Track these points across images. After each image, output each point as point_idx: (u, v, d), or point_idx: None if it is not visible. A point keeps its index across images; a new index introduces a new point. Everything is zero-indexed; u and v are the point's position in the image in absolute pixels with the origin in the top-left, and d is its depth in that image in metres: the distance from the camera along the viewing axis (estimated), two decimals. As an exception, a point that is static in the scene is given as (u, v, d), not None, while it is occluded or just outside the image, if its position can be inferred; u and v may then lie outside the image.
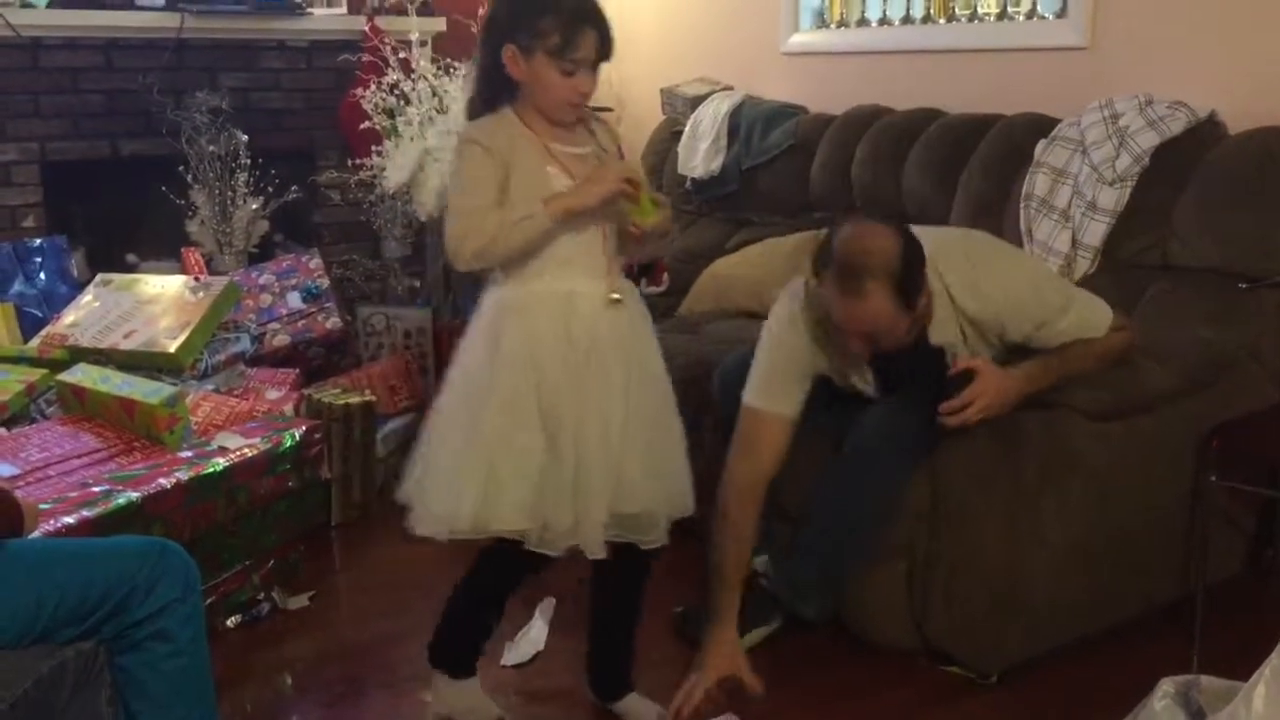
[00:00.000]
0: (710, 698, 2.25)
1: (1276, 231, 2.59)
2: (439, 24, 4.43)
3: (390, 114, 4.07)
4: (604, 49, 1.93)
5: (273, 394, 3.12)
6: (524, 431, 1.94)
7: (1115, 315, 2.35)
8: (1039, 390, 2.30)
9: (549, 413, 1.95)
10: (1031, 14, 3.49)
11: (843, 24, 4.08)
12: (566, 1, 1.90)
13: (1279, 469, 2.50)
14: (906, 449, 2.36)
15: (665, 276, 3.91)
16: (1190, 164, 2.69)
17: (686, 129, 4.11)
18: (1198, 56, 2.93)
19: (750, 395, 2.37)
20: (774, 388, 2.36)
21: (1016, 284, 2.28)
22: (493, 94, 1.99)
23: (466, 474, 1.94)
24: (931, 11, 3.81)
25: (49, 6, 3.86)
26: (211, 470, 2.53)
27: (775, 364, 2.37)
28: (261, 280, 3.71)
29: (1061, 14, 3.34)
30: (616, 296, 2.02)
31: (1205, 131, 2.76)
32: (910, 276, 2.12)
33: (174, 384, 2.88)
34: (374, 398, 3.30)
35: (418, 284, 4.32)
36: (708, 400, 2.81)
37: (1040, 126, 3.07)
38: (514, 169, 1.93)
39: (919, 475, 2.37)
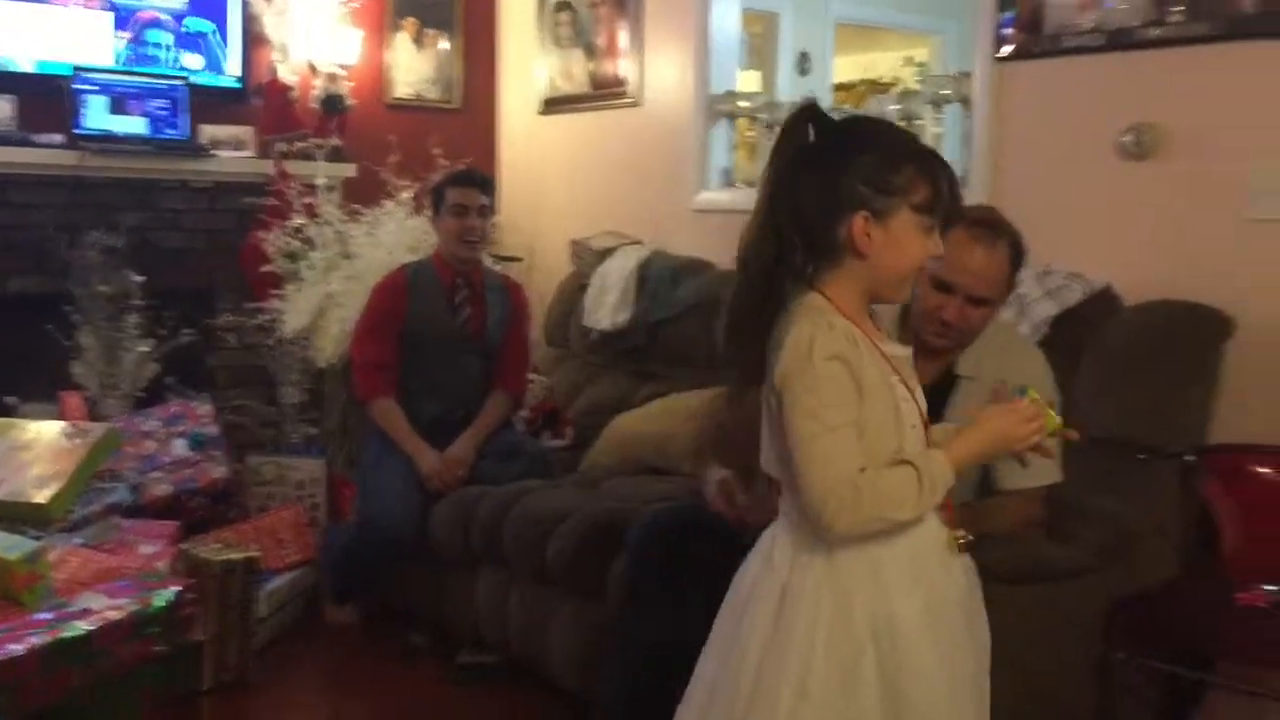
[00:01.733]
0: None
1: (1173, 403, 2.62)
2: (349, 169, 4.41)
3: (293, 257, 4.00)
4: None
5: (146, 548, 2.94)
6: None
7: (1056, 487, 2.34)
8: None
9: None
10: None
11: (750, 183, 4.14)
12: (912, 143, 1.64)
13: (1185, 644, 2.46)
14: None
15: (569, 430, 3.85)
16: (1087, 334, 2.73)
17: (594, 281, 4.10)
18: (1092, 230, 3.00)
19: None
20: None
21: (1052, 386, 2.31)
22: (776, 283, 1.60)
23: None
24: (837, 175, 3.89)
25: (-58, 139, 3.75)
26: (71, 635, 2.33)
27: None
28: (146, 426, 3.54)
29: (963, 184, 3.42)
30: (963, 536, 1.68)
31: (1101, 302, 2.81)
32: (1020, 257, 2.23)
33: (37, 537, 2.69)
34: (258, 553, 3.14)
35: (314, 431, 4.19)
36: (608, 562, 2.72)
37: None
38: (864, 387, 1.55)
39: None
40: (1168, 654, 2.47)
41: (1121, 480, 2.57)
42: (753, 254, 1.60)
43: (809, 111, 1.62)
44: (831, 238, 1.57)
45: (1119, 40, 2.95)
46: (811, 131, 1.61)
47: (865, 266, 1.58)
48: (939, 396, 2.37)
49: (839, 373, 1.53)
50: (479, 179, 3.65)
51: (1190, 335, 2.66)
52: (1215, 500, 2.62)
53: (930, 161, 1.60)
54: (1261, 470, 2.63)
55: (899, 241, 1.58)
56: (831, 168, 1.58)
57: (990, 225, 2.25)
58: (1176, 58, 2.86)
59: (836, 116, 1.64)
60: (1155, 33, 2.88)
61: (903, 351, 1.68)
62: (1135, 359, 2.65)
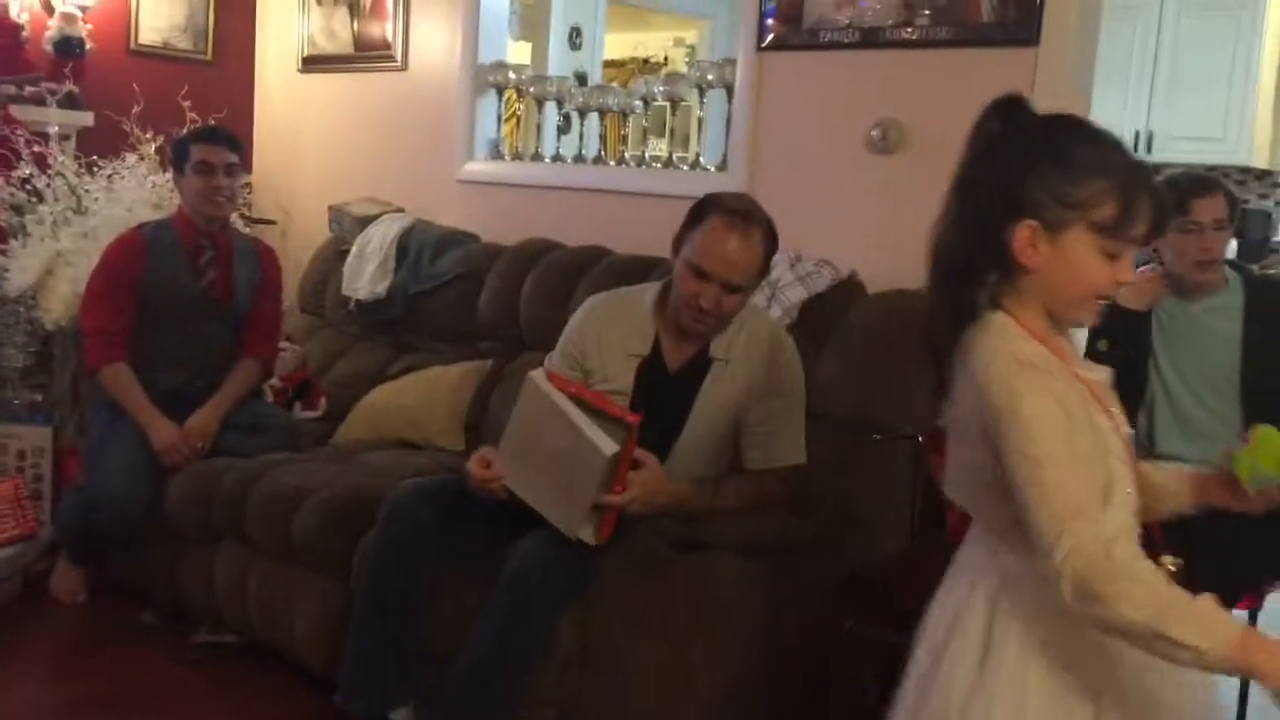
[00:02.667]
0: None
1: (907, 386, 2.76)
2: (85, 119, 4.10)
3: (19, 210, 3.71)
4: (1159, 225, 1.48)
5: None
6: None
7: (800, 467, 2.43)
8: (688, 509, 2.35)
9: None
10: (695, 164, 3.65)
11: (518, 157, 4.11)
12: (1117, 156, 1.45)
13: (912, 613, 2.61)
14: (564, 583, 2.30)
15: (323, 401, 3.72)
16: (833, 319, 2.85)
17: (353, 249, 3.97)
18: (841, 219, 3.13)
19: None
20: None
21: (798, 371, 2.47)
22: (966, 289, 1.48)
23: None
24: (603, 153, 3.91)
25: None
26: None
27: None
28: None
29: (722, 167, 3.51)
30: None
31: (847, 289, 2.94)
32: (773, 245, 2.37)
33: None
34: (-31, 529, 2.90)
35: (39, 398, 3.89)
36: (355, 538, 2.65)
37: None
38: (1068, 415, 1.39)
39: (570, 620, 2.31)
40: (897, 623, 2.62)
41: (858, 460, 2.71)
42: (942, 251, 1.52)
43: (1009, 102, 1.51)
44: (998, 244, 1.44)
45: (871, 39, 3.09)
46: (1005, 123, 1.51)
47: (1034, 282, 1.45)
48: (694, 378, 2.44)
49: (1043, 401, 1.37)
50: (225, 136, 3.47)
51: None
52: (939, 477, 2.79)
53: (1131, 180, 1.43)
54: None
55: (1070, 261, 1.43)
56: (1013, 166, 1.46)
57: (745, 214, 2.33)
58: (921, 59, 3.01)
59: (1040, 111, 1.53)
60: (903, 34, 3.03)
61: (1100, 375, 1.53)
62: (874, 345, 2.79)
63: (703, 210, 2.36)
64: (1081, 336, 2.97)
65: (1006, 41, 2.85)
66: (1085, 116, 2.91)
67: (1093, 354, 2.65)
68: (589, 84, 4.18)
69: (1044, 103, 2.77)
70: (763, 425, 2.44)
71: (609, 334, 2.47)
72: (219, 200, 3.33)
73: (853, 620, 2.47)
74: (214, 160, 3.31)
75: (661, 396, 2.41)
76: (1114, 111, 5.68)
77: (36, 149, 3.78)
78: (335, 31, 4.53)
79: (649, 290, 2.52)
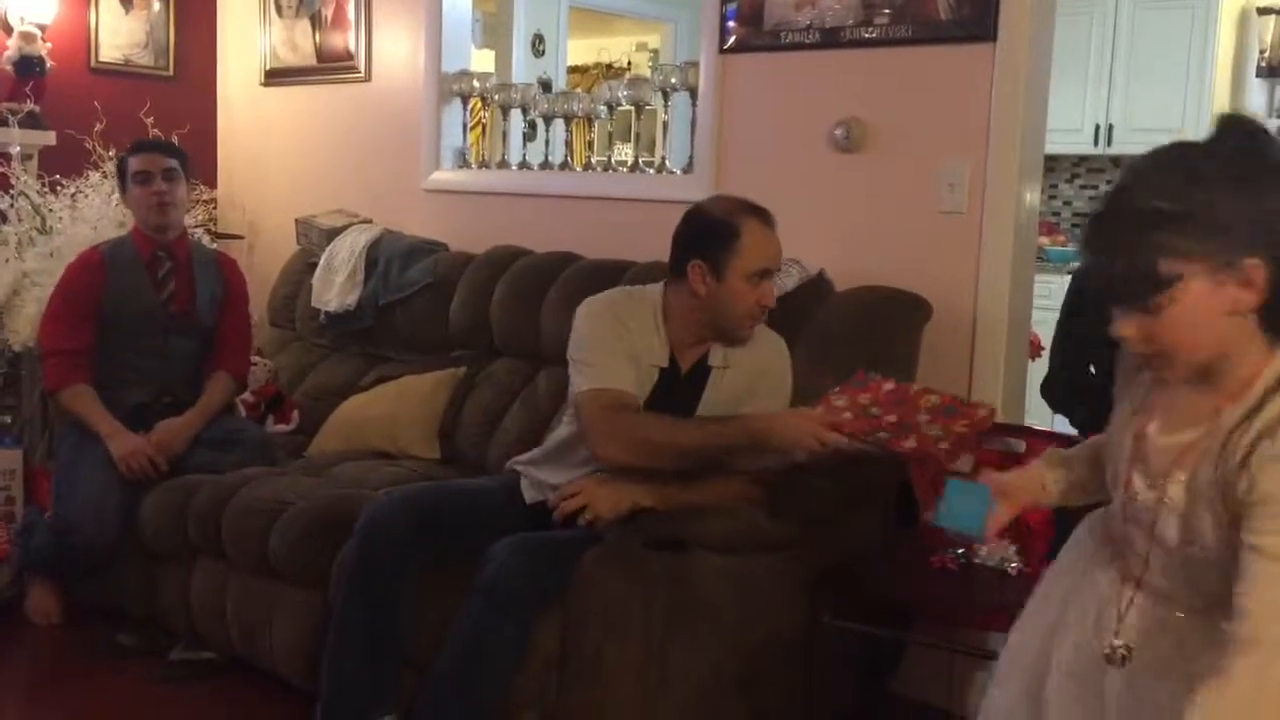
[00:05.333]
0: None
1: (877, 381, 2.79)
2: (48, 138, 4.08)
3: (-18, 231, 3.68)
4: None
5: None
6: None
7: (775, 471, 2.46)
8: (658, 507, 2.39)
9: None
10: (661, 169, 3.68)
11: (484, 165, 4.12)
12: None
13: (886, 607, 2.64)
14: (539, 585, 2.32)
15: (295, 414, 3.71)
16: (803, 317, 2.87)
17: (322, 261, 3.96)
18: (807, 218, 3.15)
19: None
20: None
21: (787, 376, 2.54)
22: None
23: None
24: (569, 159, 3.93)
25: None
26: None
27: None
28: None
29: (689, 170, 3.53)
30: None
31: (815, 287, 2.96)
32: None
33: None
34: (-59, 553, 2.87)
35: (8, 420, 3.87)
36: (333, 550, 2.65)
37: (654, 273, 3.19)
38: None
39: (548, 622, 2.32)
40: (871, 617, 2.64)
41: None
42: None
43: (1242, 123, 1.39)
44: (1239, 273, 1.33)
45: (831, 39, 3.12)
46: (1236, 144, 1.38)
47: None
48: (698, 382, 2.46)
49: None
50: (160, 144, 3.51)
51: (893, 319, 2.85)
52: (911, 470, 2.82)
53: None
54: (952, 443, 2.85)
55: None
56: (1250, 193, 1.33)
57: (759, 208, 2.44)
58: (881, 57, 3.04)
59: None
60: (864, 33, 3.06)
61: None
62: (844, 341, 2.81)
63: (728, 224, 2.39)
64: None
65: (964, 38, 2.88)
66: (1044, 111, 2.98)
67: None
68: (553, 90, 4.20)
69: (1002, 98, 2.84)
70: None
71: (633, 342, 2.48)
72: (163, 205, 3.32)
73: (829, 614, 2.49)
74: (151, 167, 3.31)
75: (669, 399, 2.44)
76: (1073, 105, 5.75)
77: (-1, 169, 3.77)
78: (297, 43, 4.52)
79: (647, 298, 2.52)
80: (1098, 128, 5.95)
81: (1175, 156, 1.42)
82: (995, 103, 2.86)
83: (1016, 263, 2.90)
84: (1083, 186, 6.46)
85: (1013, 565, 2.54)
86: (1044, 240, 5.68)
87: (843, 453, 2.21)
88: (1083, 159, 6.32)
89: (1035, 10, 2.82)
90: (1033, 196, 2.97)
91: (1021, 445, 2.79)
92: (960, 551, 2.57)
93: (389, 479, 3.10)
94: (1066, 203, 6.50)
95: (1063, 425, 3.19)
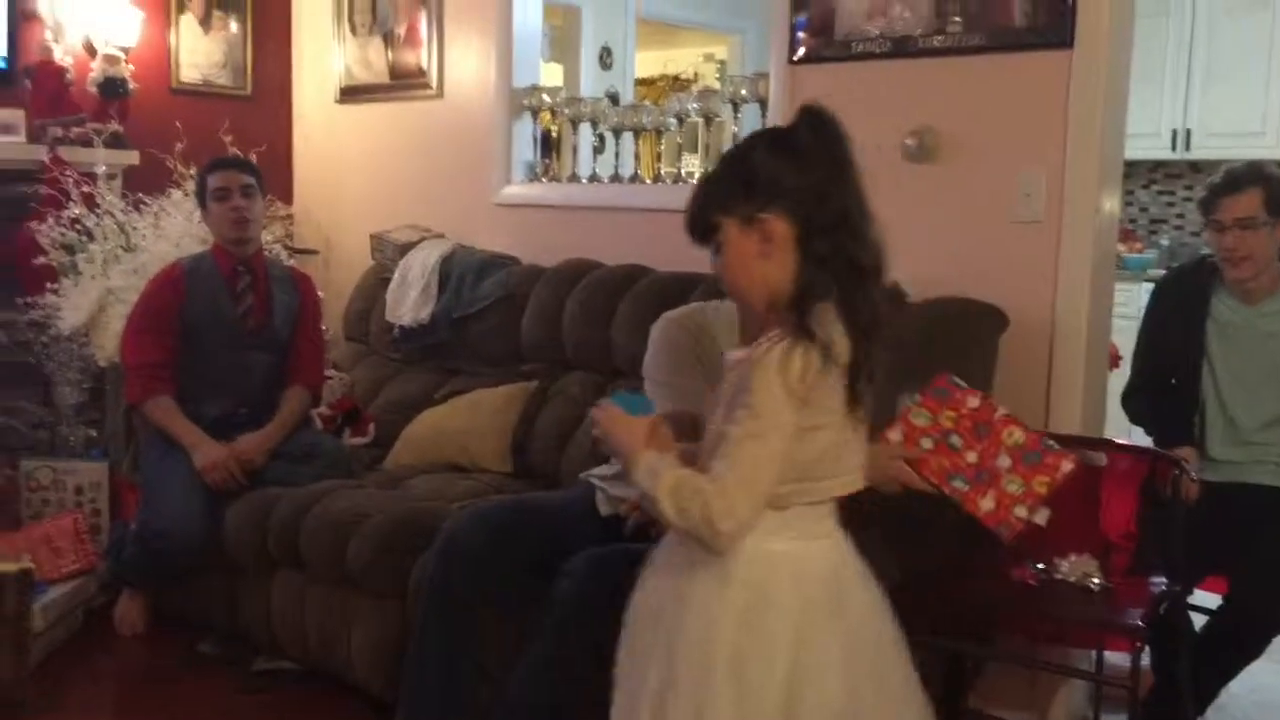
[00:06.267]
0: None
1: (954, 393, 2.76)
2: (131, 157, 4.18)
3: (70, 250, 3.78)
4: None
5: (-94, 563, 2.73)
6: None
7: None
8: None
9: None
10: (731, 179, 3.67)
11: (554, 179, 4.15)
12: None
13: (965, 622, 2.60)
14: (616, 599, 2.30)
15: (371, 427, 3.77)
16: (876, 329, 2.84)
17: (396, 276, 4.02)
18: (880, 229, 3.13)
19: None
20: None
21: None
22: None
23: None
24: (639, 172, 3.94)
25: None
26: None
27: None
28: (-96, 431, 3.28)
29: (758, 181, 3.52)
30: None
31: (889, 298, 2.91)
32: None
33: None
34: (31, 564, 2.95)
35: (94, 434, 3.97)
36: (410, 562, 2.68)
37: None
38: None
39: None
40: (950, 632, 2.61)
41: (907, 468, 2.70)
42: None
43: (813, 110, 1.66)
44: None
45: (903, 48, 3.09)
46: (799, 124, 1.67)
47: None
48: None
49: None
50: (237, 160, 3.58)
51: (971, 330, 2.81)
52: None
53: None
54: (1031, 455, 2.80)
55: None
56: (783, 164, 1.64)
57: None
58: (955, 66, 3.01)
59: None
60: (936, 41, 3.03)
61: None
62: (921, 353, 2.78)
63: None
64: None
65: (1040, 45, 2.85)
66: (1123, 117, 2.92)
67: None
68: (621, 103, 4.21)
69: (1080, 105, 2.80)
70: None
71: (712, 358, 2.47)
72: (241, 220, 3.39)
73: (907, 628, 2.46)
74: (229, 184, 3.39)
75: None
76: (1150, 110, 5.65)
77: (85, 189, 3.86)
78: (371, 61, 4.59)
79: (724, 311, 2.51)
80: (1175, 133, 5.84)
81: (760, 133, 1.83)
82: (1073, 110, 2.82)
83: (1096, 271, 2.86)
84: (1160, 193, 6.34)
85: (1094, 580, 2.50)
86: (1120, 248, 5.57)
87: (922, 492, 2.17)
88: (1159, 164, 6.20)
89: (1114, 16, 2.78)
90: (1112, 204, 2.92)
91: (1102, 458, 2.74)
92: (1040, 566, 2.53)
93: (463, 492, 3.13)
94: (1143, 209, 6.38)
95: (1141, 437, 3.14)
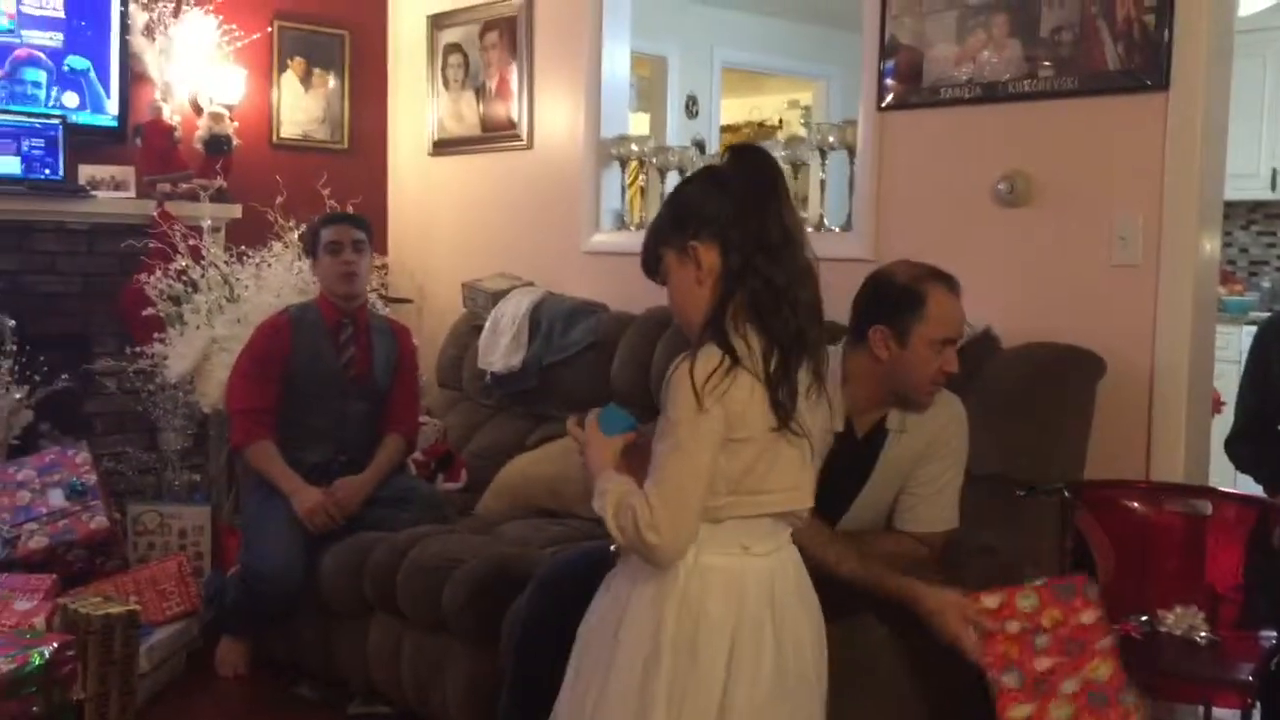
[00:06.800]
0: None
1: (1050, 440, 2.72)
2: (234, 211, 4.34)
3: (176, 301, 3.92)
4: None
5: (22, 604, 2.84)
6: None
7: (951, 532, 2.44)
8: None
9: None
10: (820, 226, 3.67)
11: (641, 227, 4.19)
12: None
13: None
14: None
15: (464, 473, 3.82)
16: (970, 375, 2.82)
17: (487, 323, 4.09)
18: (971, 274, 3.08)
19: None
20: None
21: (964, 436, 2.46)
22: None
23: None
24: (726, 219, 3.96)
25: None
26: (-61, 698, 2.24)
27: None
28: (20, 476, 3.42)
29: (847, 228, 3.52)
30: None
31: (982, 344, 2.91)
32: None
33: (-97, 596, 2.58)
34: (138, 606, 3.04)
35: (197, 478, 4.09)
36: (504, 607, 2.71)
37: (832, 334, 3.17)
38: None
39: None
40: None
41: (1002, 516, 2.66)
42: None
43: (746, 149, 1.78)
44: None
45: (993, 93, 3.09)
46: (731, 161, 1.80)
47: None
48: (874, 444, 2.43)
49: None
50: (350, 216, 3.67)
51: (1067, 375, 2.77)
52: (1089, 533, 2.73)
53: None
54: (1131, 504, 2.75)
55: None
56: (710, 196, 1.76)
57: (943, 274, 2.39)
58: (1046, 110, 3.00)
59: None
60: (1026, 86, 3.02)
61: None
62: (1015, 399, 2.75)
63: (913, 290, 2.34)
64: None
65: (1135, 88, 2.82)
66: (1222, 158, 2.87)
67: None
68: (707, 151, 4.25)
69: (1177, 147, 2.75)
70: (921, 489, 2.42)
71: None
72: (350, 275, 3.47)
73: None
74: (342, 239, 3.47)
75: (844, 461, 2.41)
76: (1248, 150, 5.53)
77: (191, 242, 4.00)
78: (463, 114, 4.70)
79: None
80: (1275, 171, 5.70)
81: (695, 172, 2.00)
82: (1170, 151, 2.78)
83: (1196, 315, 2.80)
84: (1260, 233, 6.18)
85: (1201, 635, 2.43)
86: (1220, 290, 5.45)
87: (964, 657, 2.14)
88: (1259, 205, 6.06)
89: (1210, 56, 2.74)
90: (1212, 246, 2.87)
91: (1208, 507, 2.67)
92: (1144, 618, 2.47)
93: (554, 538, 3.15)
94: (1243, 250, 6.22)
95: (1248, 485, 3.05)
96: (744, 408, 1.69)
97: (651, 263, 1.83)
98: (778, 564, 1.79)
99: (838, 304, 3.13)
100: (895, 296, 2.35)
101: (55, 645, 2.55)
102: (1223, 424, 3.07)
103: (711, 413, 1.66)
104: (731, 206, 1.73)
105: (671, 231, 1.78)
